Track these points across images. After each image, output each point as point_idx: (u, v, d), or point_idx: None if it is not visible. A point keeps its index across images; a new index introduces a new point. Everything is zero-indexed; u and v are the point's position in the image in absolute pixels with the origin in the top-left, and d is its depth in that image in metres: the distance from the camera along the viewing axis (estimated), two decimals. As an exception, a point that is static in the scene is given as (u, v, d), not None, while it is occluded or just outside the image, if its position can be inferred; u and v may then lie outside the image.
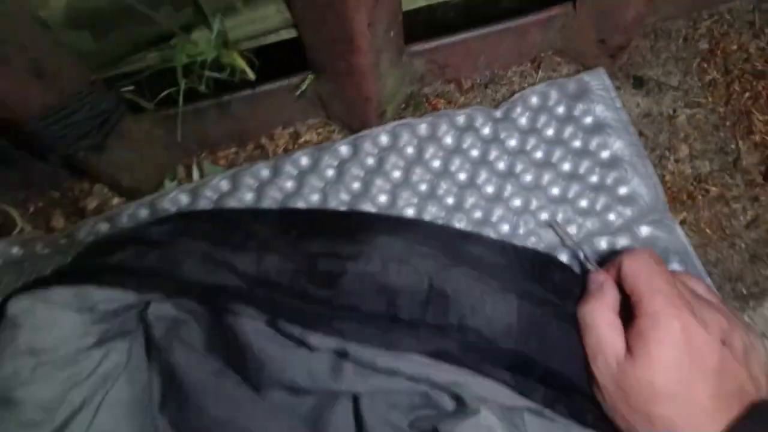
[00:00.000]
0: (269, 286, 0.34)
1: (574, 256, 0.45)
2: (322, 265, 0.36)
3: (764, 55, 0.59)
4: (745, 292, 0.51)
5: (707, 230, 0.53)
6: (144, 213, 0.49)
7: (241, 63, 0.41)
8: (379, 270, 0.35)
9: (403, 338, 0.33)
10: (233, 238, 0.37)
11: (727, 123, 0.56)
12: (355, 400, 0.35)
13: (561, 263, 0.44)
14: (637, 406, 0.29)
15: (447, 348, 0.33)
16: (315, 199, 0.50)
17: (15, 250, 0.50)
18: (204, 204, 0.49)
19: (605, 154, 0.52)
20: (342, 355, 0.32)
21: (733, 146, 0.56)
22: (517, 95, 0.55)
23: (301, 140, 0.55)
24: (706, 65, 0.59)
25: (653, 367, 0.28)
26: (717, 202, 0.54)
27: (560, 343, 0.35)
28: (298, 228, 0.41)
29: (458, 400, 0.35)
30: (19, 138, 0.43)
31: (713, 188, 0.54)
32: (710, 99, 0.57)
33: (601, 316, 0.32)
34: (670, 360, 0.28)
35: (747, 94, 0.57)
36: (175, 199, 0.50)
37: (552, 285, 0.40)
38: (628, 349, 0.30)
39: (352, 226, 0.42)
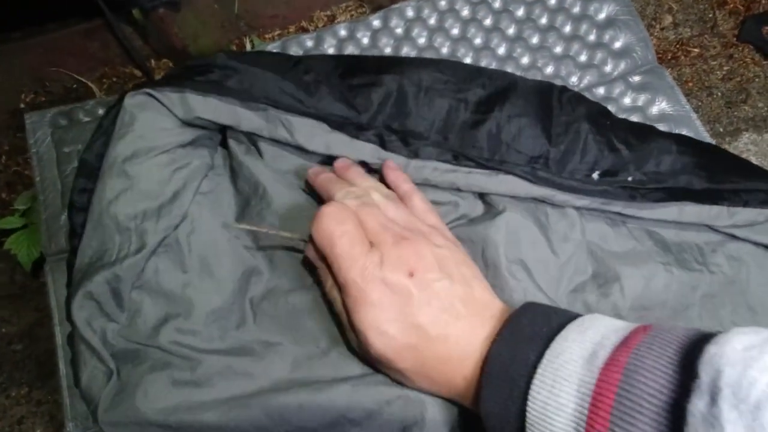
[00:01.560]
0: (322, 109, 0.41)
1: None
2: (362, 92, 0.43)
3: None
4: (722, 130, 0.59)
5: (689, 84, 0.62)
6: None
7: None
8: (409, 95, 0.42)
9: (425, 148, 0.40)
10: (295, 71, 0.44)
11: (705, -4, 0.65)
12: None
13: (561, 87, 0.52)
14: (385, 368, 0.30)
15: (463, 153, 0.40)
16: (353, 62, 0.58)
17: (100, 111, 0.58)
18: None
19: (601, 17, 0.61)
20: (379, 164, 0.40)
21: (710, 15, 0.64)
22: (522, -25, 0.63)
23: (337, 21, 0.63)
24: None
25: (367, 339, 0.28)
26: (697, 60, 0.63)
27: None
28: (342, 67, 0.48)
29: (486, 204, 0.43)
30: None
31: (694, 49, 0.63)
32: (690, -24, 0.66)
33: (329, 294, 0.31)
34: (374, 327, 0.27)
35: (722, -29, 0.66)
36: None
37: (560, 107, 0.48)
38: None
39: (384, 64, 0.49)
